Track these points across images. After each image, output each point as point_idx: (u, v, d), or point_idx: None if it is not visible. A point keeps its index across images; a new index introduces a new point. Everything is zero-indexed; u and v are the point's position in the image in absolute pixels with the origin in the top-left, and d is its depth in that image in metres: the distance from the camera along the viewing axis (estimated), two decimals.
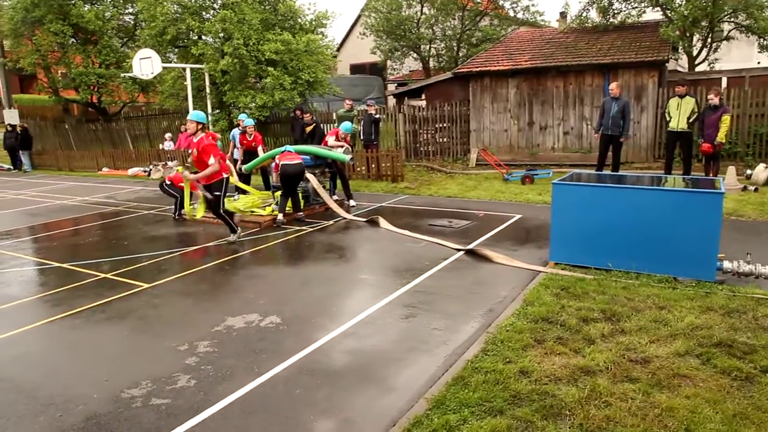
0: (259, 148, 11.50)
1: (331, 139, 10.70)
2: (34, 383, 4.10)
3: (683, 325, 4.46)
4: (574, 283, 5.51)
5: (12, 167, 21.67)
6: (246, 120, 11.94)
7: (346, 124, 10.84)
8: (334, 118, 16.04)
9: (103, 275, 6.70)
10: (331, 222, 9.18)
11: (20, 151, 21.36)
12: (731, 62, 18.62)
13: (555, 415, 3.33)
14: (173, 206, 10.11)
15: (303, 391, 3.79)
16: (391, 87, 26.70)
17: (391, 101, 21.93)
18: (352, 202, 10.61)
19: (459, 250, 7.09)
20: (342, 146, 10.46)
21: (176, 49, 18.82)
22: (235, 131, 12.60)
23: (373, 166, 13.70)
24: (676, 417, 3.24)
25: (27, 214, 11.37)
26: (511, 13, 24.71)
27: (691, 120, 10.45)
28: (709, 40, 15.71)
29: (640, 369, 3.82)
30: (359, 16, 28.31)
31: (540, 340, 4.33)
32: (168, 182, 9.90)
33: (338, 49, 29.30)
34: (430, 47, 24.71)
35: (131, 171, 18.30)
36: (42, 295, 6.14)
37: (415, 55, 25.01)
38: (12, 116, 22.53)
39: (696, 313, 4.70)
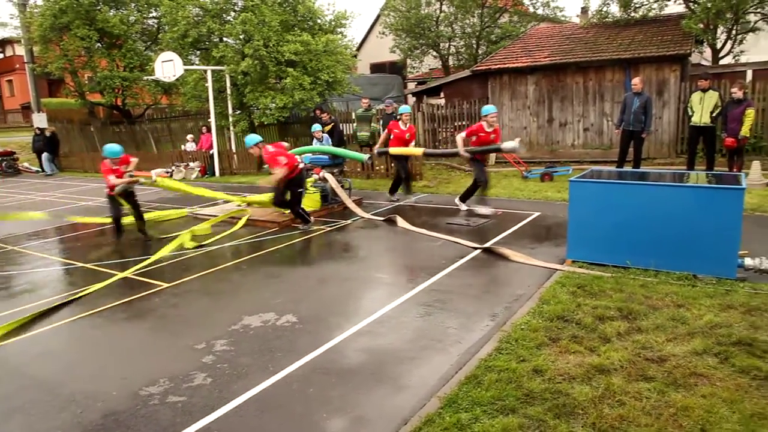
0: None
1: (459, 138, 9.18)
2: (57, 380, 4.21)
3: (702, 323, 4.39)
4: (591, 282, 5.45)
5: (40, 170, 22.19)
6: (402, 107, 10.95)
7: (404, 107, 10.29)
8: (353, 117, 16.10)
9: (124, 275, 6.84)
10: (348, 221, 9.22)
11: (44, 154, 21.86)
12: (759, 54, 18.15)
13: (568, 414, 3.31)
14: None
15: (317, 390, 3.83)
16: (411, 86, 26.66)
17: (411, 100, 21.90)
18: (413, 198, 10.29)
19: (476, 248, 7.07)
20: (515, 140, 8.82)
21: (198, 52, 19.05)
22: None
23: (392, 164, 13.71)
24: (692, 416, 3.19)
25: (53, 216, 11.62)
26: (531, 9, 24.48)
27: (714, 114, 10.26)
28: (734, 32, 15.36)
29: (656, 368, 3.78)
30: (378, 16, 28.30)
31: (555, 338, 4.30)
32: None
33: (358, 49, 29.34)
34: (449, 45, 24.60)
35: (154, 172, 18.56)
36: (66, 294, 6.28)
37: (434, 53, 24.92)
38: (41, 120, 23.06)
39: (715, 311, 4.62)
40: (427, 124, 16.24)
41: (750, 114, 9.74)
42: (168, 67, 16.03)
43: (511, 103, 14.96)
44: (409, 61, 26.46)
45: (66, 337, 5.10)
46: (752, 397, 3.36)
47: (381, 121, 13.83)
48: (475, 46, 23.83)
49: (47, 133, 22.10)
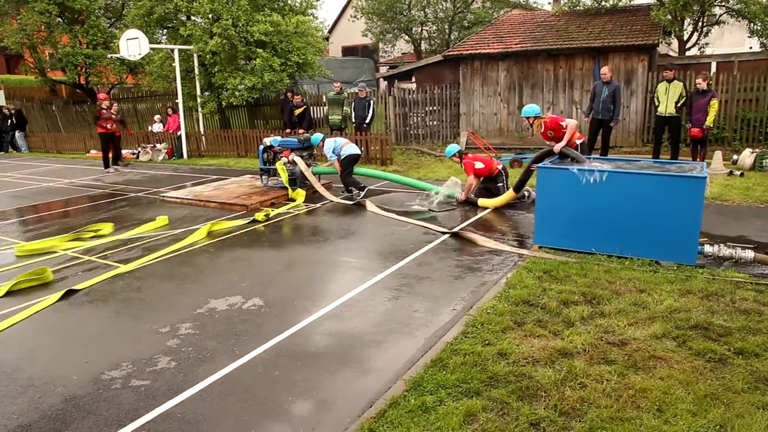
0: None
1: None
2: (15, 365, 4.10)
3: (662, 308, 4.50)
4: (556, 267, 5.53)
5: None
6: None
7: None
8: (324, 100, 15.94)
9: (87, 257, 6.68)
10: (318, 205, 9.17)
11: (17, 132, 21.18)
12: (724, 47, 18.58)
13: (530, 397, 3.36)
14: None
15: (282, 373, 3.81)
16: (383, 69, 26.53)
17: (383, 84, 21.81)
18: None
19: (444, 233, 7.10)
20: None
21: (164, 30, 18.56)
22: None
23: (362, 149, 13.64)
24: (649, 398, 3.28)
25: (12, 197, 11.27)
26: None
27: (678, 104, 10.46)
28: (700, 24, 15.66)
29: (617, 351, 3.86)
30: None
31: (520, 322, 4.36)
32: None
33: (330, 31, 29.02)
34: (421, 30, 24.54)
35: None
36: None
37: (406, 37, 24.83)
38: None
39: (675, 296, 4.74)
40: (398, 108, 16.18)
41: (714, 105, 9.96)
42: (133, 45, 15.57)
43: (483, 89, 15.00)
44: (381, 45, 26.32)
45: (26, 321, 4.95)
46: (706, 378, 3.47)
47: (353, 105, 13.73)
48: (447, 31, 23.81)
49: (6, 111, 21.32)
